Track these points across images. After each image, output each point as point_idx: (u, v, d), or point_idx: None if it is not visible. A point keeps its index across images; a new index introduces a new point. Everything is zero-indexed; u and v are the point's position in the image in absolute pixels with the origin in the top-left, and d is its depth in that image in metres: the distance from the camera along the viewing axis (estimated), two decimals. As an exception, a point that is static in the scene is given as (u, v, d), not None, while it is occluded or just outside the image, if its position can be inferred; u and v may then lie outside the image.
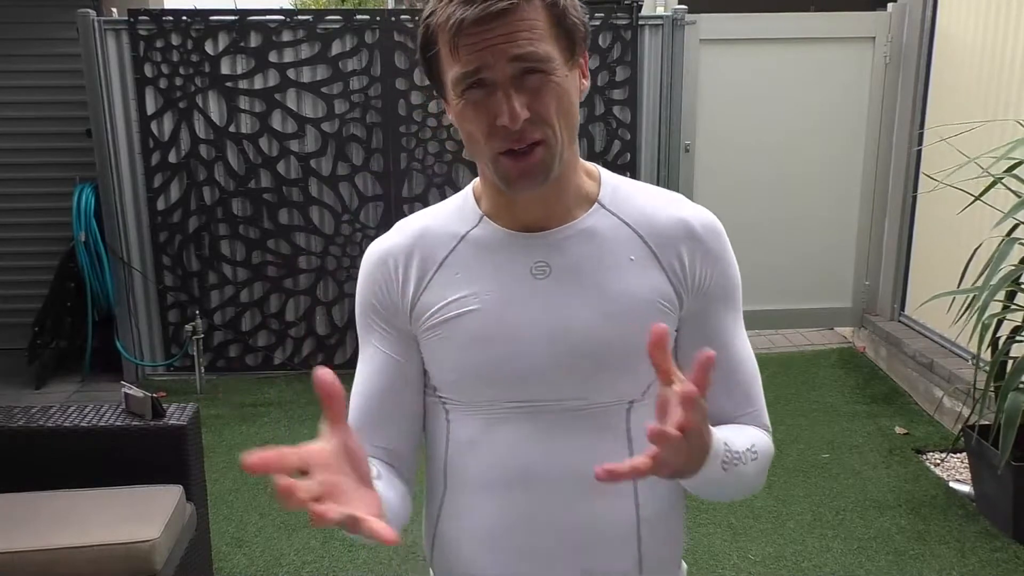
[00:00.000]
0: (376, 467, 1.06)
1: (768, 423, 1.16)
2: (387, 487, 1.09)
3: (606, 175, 1.15)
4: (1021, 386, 2.93)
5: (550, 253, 1.09)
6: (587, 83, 1.09)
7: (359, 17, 4.69)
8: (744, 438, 1.07)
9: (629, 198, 1.14)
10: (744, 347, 1.16)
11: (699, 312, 1.12)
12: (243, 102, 4.67)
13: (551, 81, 1.00)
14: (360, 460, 0.87)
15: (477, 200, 1.14)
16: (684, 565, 1.25)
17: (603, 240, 1.10)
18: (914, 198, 4.80)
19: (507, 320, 1.08)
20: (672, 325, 1.09)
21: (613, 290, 1.08)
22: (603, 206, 1.12)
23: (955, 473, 3.65)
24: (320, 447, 0.87)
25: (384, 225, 4.80)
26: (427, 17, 1.01)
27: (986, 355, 3.19)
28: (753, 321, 5.76)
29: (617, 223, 1.11)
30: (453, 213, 1.15)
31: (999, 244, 3.05)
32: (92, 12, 4.52)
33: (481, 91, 1.00)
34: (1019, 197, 3.02)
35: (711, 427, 0.94)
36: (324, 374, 0.87)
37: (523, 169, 1.02)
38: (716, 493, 1.09)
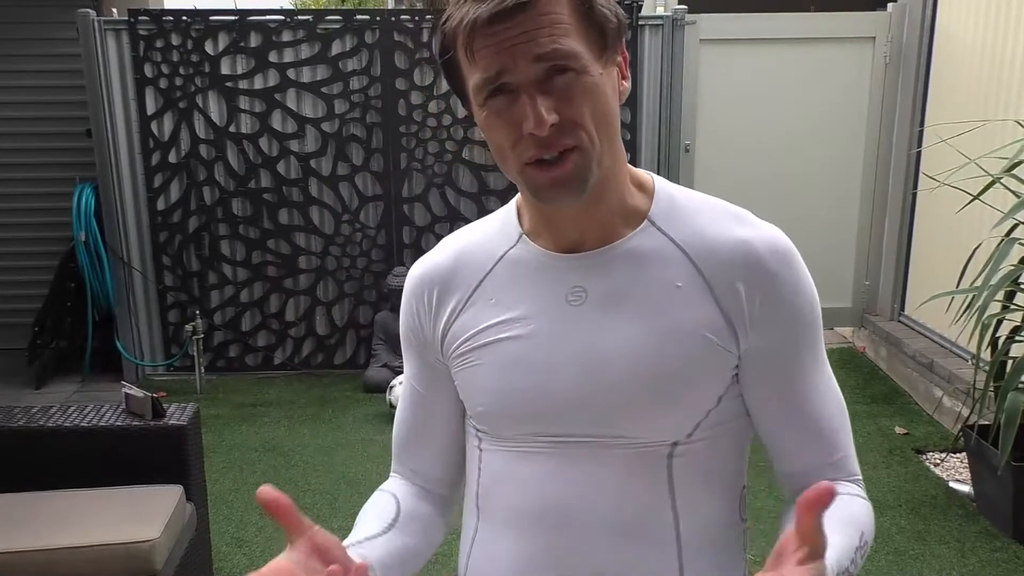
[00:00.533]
0: (382, 524, 1.05)
1: (857, 470, 1.02)
2: (396, 536, 1.05)
3: (661, 185, 1.02)
4: (1021, 386, 2.93)
5: (588, 277, 0.98)
6: (627, 84, 0.96)
7: (359, 17, 4.70)
8: (849, 537, 0.92)
9: (685, 214, 0.99)
10: (827, 389, 1.02)
11: (766, 351, 0.97)
12: (243, 102, 4.67)
13: (582, 80, 0.88)
14: (330, 551, 0.88)
15: (519, 216, 1.04)
16: None
17: (649, 263, 0.97)
18: (914, 197, 4.80)
19: (539, 350, 0.98)
20: (726, 363, 0.97)
21: (656, 321, 0.96)
22: (653, 223, 0.99)
23: (955, 473, 3.65)
24: (281, 563, 0.88)
25: (384, 225, 4.81)
26: (444, 23, 0.90)
27: (986, 355, 3.19)
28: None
29: (666, 243, 0.98)
30: (495, 230, 1.05)
31: (998, 244, 3.05)
32: (92, 12, 4.52)
33: (505, 97, 0.89)
34: (1018, 197, 3.02)
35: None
36: (264, 492, 0.83)
37: (555, 179, 0.90)
38: None
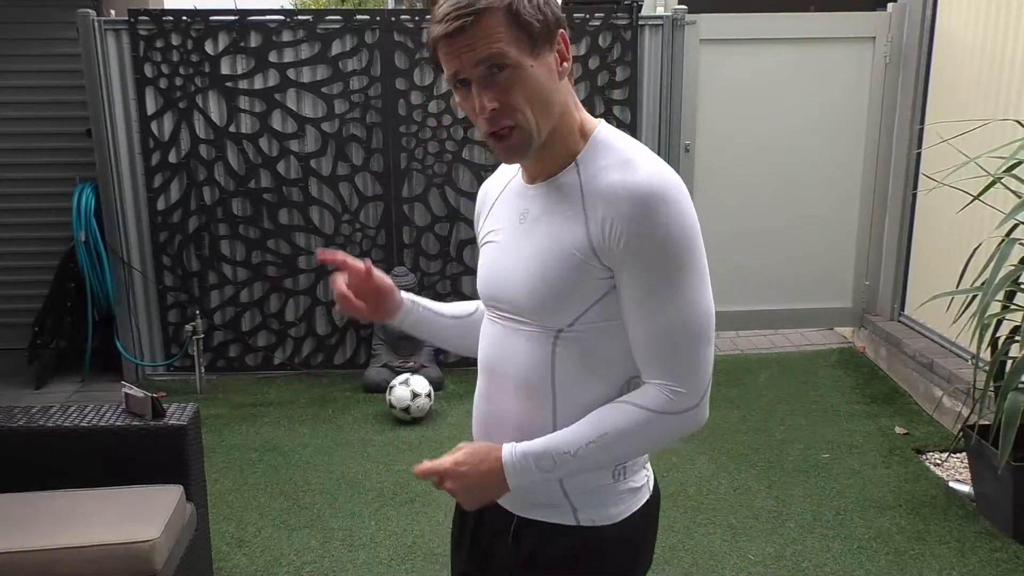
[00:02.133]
0: (453, 310, 1.60)
1: (688, 385, 1.26)
2: (458, 316, 1.60)
3: (596, 134, 1.32)
4: (1021, 386, 2.93)
5: (530, 203, 1.36)
6: (568, 64, 1.28)
7: (359, 17, 4.69)
8: (585, 432, 1.28)
9: (598, 158, 1.29)
10: (671, 313, 1.25)
11: (624, 275, 1.25)
12: (243, 102, 4.67)
13: (517, 73, 1.22)
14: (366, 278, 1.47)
15: None
16: (641, 474, 1.42)
17: (562, 196, 1.30)
18: (914, 197, 4.80)
19: (500, 252, 1.39)
20: (594, 277, 1.26)
21: (546, 240, 1.30)
22: (576, 165, 1.31)
23: (955, 473, 3.65)
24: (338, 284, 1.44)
25: (384, 225, 4.81)
26: (430, 30, 1.26)
27: (986, 355, 3.19)
28: (753, 321, 5.78)
29: (576, 181, 1.30)
30: (511, 168, 1.45)
31: (999, 244, 3.05)
32: (92, 12, 4.52)
33: (465, 88, 1.26)
34: (1019, 197, 3.02)
35: (521, 446, 1.29)
36: (320, 254, 1.45)
37: (503, 148, 1.28)
38: (583, 471, 1.31)
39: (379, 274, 1.47)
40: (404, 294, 1.56)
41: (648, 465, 1.45)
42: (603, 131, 1.32)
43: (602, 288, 1.27)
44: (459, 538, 1.54)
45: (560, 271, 1.27)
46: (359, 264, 1.45)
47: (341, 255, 1.45)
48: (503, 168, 1.49)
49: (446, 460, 1.32)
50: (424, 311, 1.57)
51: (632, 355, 1.30)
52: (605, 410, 1.29)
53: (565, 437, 1.28)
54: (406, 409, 4.19)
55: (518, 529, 1.40)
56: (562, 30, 1.27)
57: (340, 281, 1.45)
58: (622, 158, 1.27)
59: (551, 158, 1.32)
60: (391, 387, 4.26)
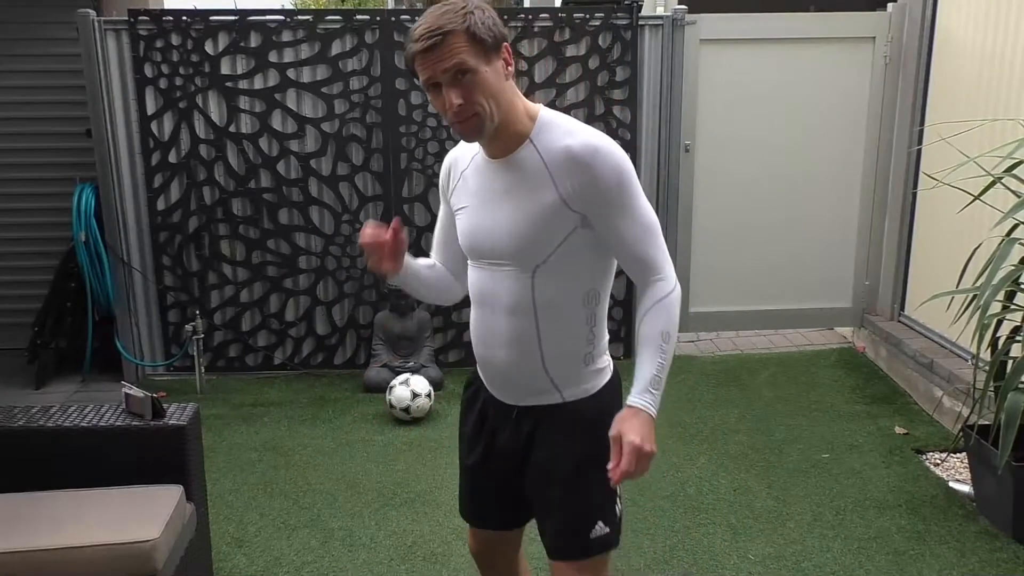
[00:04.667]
0: (430, 263, 2.05)
1: (660, 269, 1.75)
2: (428, 267, 2.04)
3: (542, 117, 1.76)
4: (1021, 386, 2.93)
5: (496, 176, 1.78)
6: (511, 69, 1.71)
7: (359, 17, 4.69)
8: (652, 347, 1.73)
9: (548, 133, 1.73)
10: (633, 226, 1.73)
11: (592, 213, 1.71)
12: (243, 102, 4.67)
13: (475, 77, 1.64)
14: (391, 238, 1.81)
15: None
16: (597, 365, 1.88)
17: (524, 166, 1.74)
18: (914, 196, 4.80)
19: (476, 216, 1.82)
20: (565, 221, 1.71)
21: (523, 203, 1.73)
22: (531, 141, 1.74)
23: (955, 473, 3.65)
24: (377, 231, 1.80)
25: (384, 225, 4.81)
26: (406, 48, 1.68)
27: (986, 355, 3.19)
28: (753, 321, 5.77)
29: (534, 152, 1.73)
30: (475, 145, 1.83)
31: (999, 244, 3.05)
32: (92, 12, 4.52)
33: (436, 90, 1.67)
34: (1019, 197, 3.02)
35: (632, 397, 1.73)
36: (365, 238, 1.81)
37: (465, 130, 1.71)
38: (669, 366, 1.76)
39: (403, 235, 1.83)
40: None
41: (607, 352, 1.91)
42: (545, 114, 1.76)
43: (568, 229, 1.73)
44: (478, 428, 1.99)
45: (539, 224, 1.72)
46: (394, 226, 1.81)
47: (384, 235, 1.81)
48: (464, 145, 1.90)
49: (629, 456, 1.69)
50: (415, 265, 1.97)
51: (586, 275, 1.79)
52: (647, 325, 1.74)
53: (649, 361, 1.73)
54: (406, 409, 4.19)
55: (518, 416, 1.89)
56: (506, 43, 1.69)
57: (372, 229, 1.80)
58: (564, 130, 1.72)
59: (506, 138, 1.74)
60: (391, 387, 4.26)
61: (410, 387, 4.22)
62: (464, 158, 1.88)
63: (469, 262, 1.90)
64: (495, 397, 1.93)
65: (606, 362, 1.90)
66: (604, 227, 1.73)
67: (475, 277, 1.88)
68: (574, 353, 1.83)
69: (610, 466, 1.69)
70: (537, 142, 1.73)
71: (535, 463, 1.87)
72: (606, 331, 1.89)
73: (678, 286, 1.76)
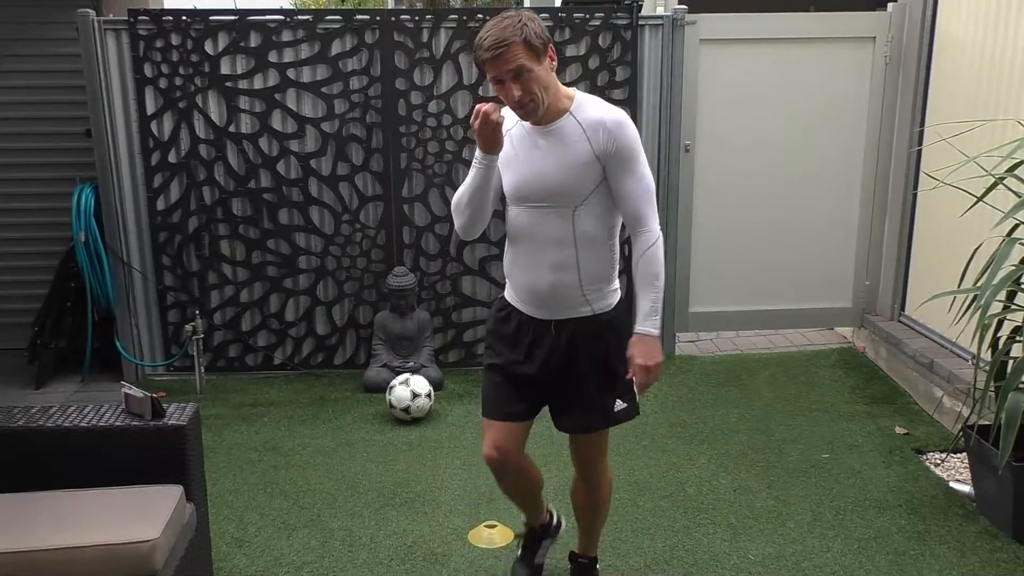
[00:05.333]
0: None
1: (648, 223, 2.35)
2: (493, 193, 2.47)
3: (578, 97, 2.37)
4: (1021, 386, 2.93)
5: (540, 140, 2.36)
6: (554, 62, 2.31)
7: (359, 17, 4.69)
8: (648, 285, 2.35)
9: (583, 108, 2.34)
10: (637, 185, 2.34)
11: (612, 166, 2.32)
12: (243, 102, 4.67)
13: (531, 74, 2.22)
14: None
15: None
16: (616, 285, 2.49)
17: (565, 132, 2.33)
18: (914, 197, 4.80)
19: (522, 167, 2.37)
20: (596, 171, 2.32)
21: (565, 156, 2.32)
22: (571, 114, 2.34)
23: (955, 473, 3.65)
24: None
25: (384, 225, 4.81)
26: (475, 51, 2.27)
27: (986, 355, 3.19)
28: (753, 321, 5.76)
29: (574, 122, 2.33)
30: (514, 115, 2.37)
31: (999, 244, 3.05)
32: (92, 12, 4.52)
33: (502, 84, 2.25)
34: (1019, 197, 3.02)
35: (639, 325, 2.35)
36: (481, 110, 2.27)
37: (524, 114, 2.31)
38: (661, 300, 2.38)
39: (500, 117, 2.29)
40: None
41: (618, 279, 2.50)
42: (580, 95, 2.38)
43: (599, 178, 2.34)
44: (515, 339, 2.51)
45: (578, 171, 2.32)
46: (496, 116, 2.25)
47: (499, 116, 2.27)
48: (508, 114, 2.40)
49: (639, 371, 2.34)
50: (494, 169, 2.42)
51: (610, 214, 2.39)
52: (640, 271, 2.36)
53: (644, 297, 2.35)
54: (406, 409, 4.19)
55: (557, 327, 2.45)
56: (551, 45, 2.29)
57: (491, 112, 2.24)
58: (597, 106, 2.36)
59: (551, 113, 2.33)
60: (391, 387, 4.26)
61: (410, 387, 4.22)
62: (509, 123, 2.39)
63: (513, 208, 2.43)
64: (531, 316, 2.47)
65: (618, 284, 2.51)
66: (614, 181, 2.34)
67: (520, 219, 2.42)
68: (602, 275, 2.43)
69: (629, 377, 2.38)
70: (577, 114, 2.34)
71: (577, 361, 2.45)
72: (619, 260, 2.50)
73: (660, 237, 2.37)
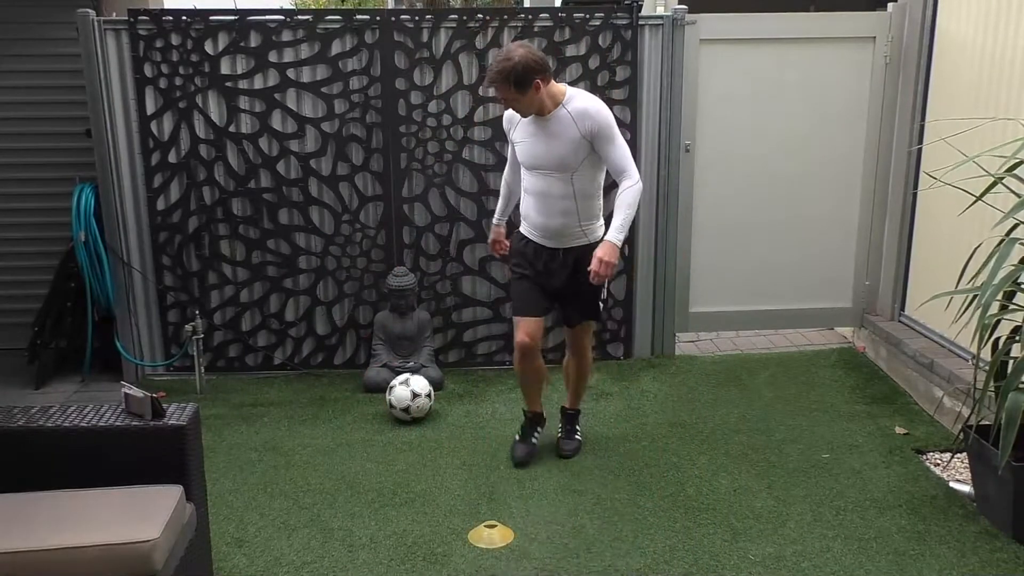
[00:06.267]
0: (508, 201, 3.86)
1: (632, 173, 3.33)
2: (507, 197, 3.86)
3: (568, 92, 3.39)
4: (1021, 386, 2.93)
5: (545, 125, 3.40)
6: (547, 83, 3.34)
7: (359, 17, 4.69)
8: (621, 210, 3.28)
9: (573, 101, 3.36)
10: (616, 150, 3.34)
11: (598, 142, 3.33)
12: (243, 102, 4.67)
13: (516, 103, 3.38)
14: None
15: None
16: (601, 222, 3.55)
17: (561, 120, 3.36)
18: (914, 197, 4.80)
19: (531, 147, 3.45)
20: (585, 148, 3.35)
21: (561, 138, 3.36)
22: (563, 106, 3.36)
23: (955, 473, 3.65)
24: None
25: (384, 225, 4.81)
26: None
27: (986, 355, 3.19)
28: (753, 321, 5.76)
29: (565, 113, 3.35)
30: None
31: (999, 244, 3.05)
32: (92, 12, 4.52)
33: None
34: (1019, 197, 3.02)
35: (608, 235, 3.32)
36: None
37: (520, 114, 3.45)
38: (629, 224, 3.34)
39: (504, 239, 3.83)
40: (500, 219, 3.90)
41: (602, 217, 3.55)
42: (570, 90, 3.39)
43: (588, 151, 3.35)
44: (535, 258, 3.58)
45: (571, 149, 3.34)
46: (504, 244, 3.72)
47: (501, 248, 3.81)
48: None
49: (596, 261, 3.28)
50: (509, 209, 3.87)
51: (596, 175, 3.46)
52: (619, 200, 3.29)
53: (618, 216, 3.26)
54: (406, 409, 4.19)
55: (563, 254, 3.52)
56: (537, 79, 3.28)
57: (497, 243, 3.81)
58: (581, 98, 3.37)
59: (548, 108, 3.35)
60: (391, 387, 4.26)
61: (410, 387, 4.22)
62: (515, 115, 3.47)
63: (527, 172, 3.50)
64: (545, 246, 3.54)
65: (603, 222, 3.53)
66: (601, 150, 3.35)
67: (534, 180, 3.47)
68: (594, 215, 3.52)
69: (589, 269, 3.31)
70: (567, 106, 3.35)
71: (578, 275, 3.46)
72: (603, 207, 3.56)
73: (639, 181, 3.34)
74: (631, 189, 3.29)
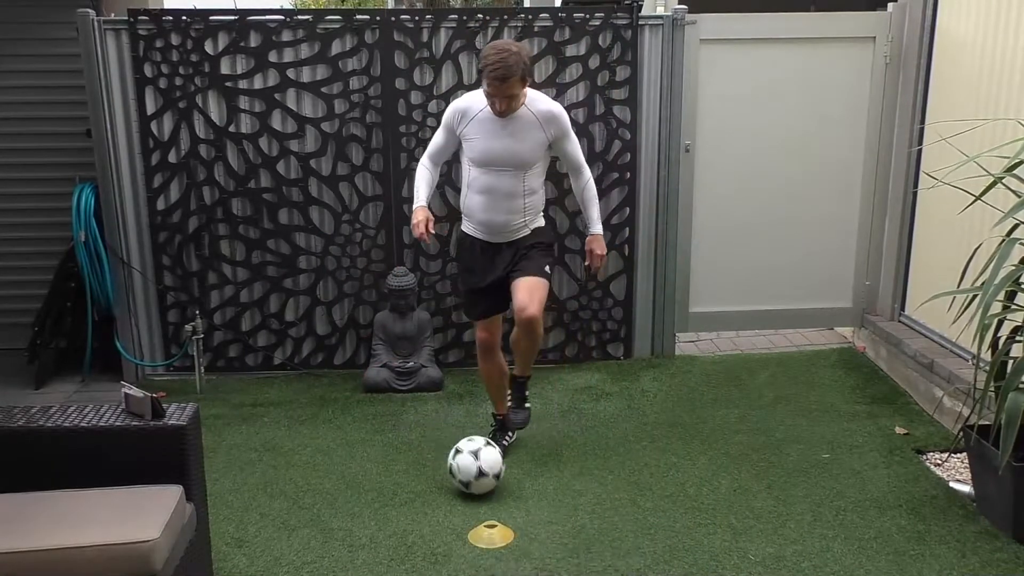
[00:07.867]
0: (431, 186, 3.77)
1: (586, 168, 3.73)
2: (429, 183, 3.73)
3: (530, 94, 3.50)
4: (1021, 386, 2.93)
5: (504, 124, 3.48)
6: (529, 80, 3.45)
7: (359, 17, 4.69)
8: (592, 206, 3.75)
9: (535, 103, 3.50)
10: (575, 147, 3.66)
11: (558, 141, 3.57)
12: (243, 102, 4.67)
13: (516, 97, 3.42)
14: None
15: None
16: (542, 218, 3.73)
17: (523, 119, 3.48)
18: (914, 196, 4.80)
19: (487, 142, 3.51)
20: (545, 147, 3.55)
21: (524, 138, 3.49)
22: (527, 107, 3.48)
23: (955, 473, 3.65)
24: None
25: (384, 225, 4.81)
26: (480, 63, 3.38)
27: (986, 355, 3.19)
28: (753, 321, 5.77)
29: (529, 113, 3.48)
30: (482, 100, 3.47)
31: (999, 244, 3.05)
32: (92, 12, 4.52)
33: (493, 95, 3.39)
34: (1019, 197, 3.02)
35: (592, 229, 3.77)
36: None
37: (502, 116, 3.46)
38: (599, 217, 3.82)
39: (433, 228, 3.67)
40: (425, 201, 3.68)
41: (542, 209, 3.72)
42: (531, 92, 3.50)
43: (543, 151, 3.55)
44: (480, 260, 3.68)
45: (532, 148, 3.50)
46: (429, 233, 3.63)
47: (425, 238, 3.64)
48: (468, 101, 3.55)
49: (596, 257, 3.75)
50: (431, 193, 3.73)
51: (543, 172, 3.63)
52: (586, 196, 3.72)
53: (593, 211, 3.72)
54: (466, 484, 3.50)
55: (508, 246, 3.62)
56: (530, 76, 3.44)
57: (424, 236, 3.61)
58: (542, 100, 3.54)
59: (516, 107, 3.44)
60: (458, 450, 3.55)
61: (479, 461, 3.48)
62: (473, 108, 3.51)
63: (476, 168, 3.55)
64: (490, 242, 3.64)
65: (543, 213, 3.74)
66: (560, 147, 3.58)
67: (484, 177, 3.54)
68: (537, 210, 3.66)
69: (585, 263, 3.87)
70: (531, 107, 3.48)
71: (521, 257, 3.61)
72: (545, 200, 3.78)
73: (590, 173, 3.74)
74: (591, 181, 3.70)
